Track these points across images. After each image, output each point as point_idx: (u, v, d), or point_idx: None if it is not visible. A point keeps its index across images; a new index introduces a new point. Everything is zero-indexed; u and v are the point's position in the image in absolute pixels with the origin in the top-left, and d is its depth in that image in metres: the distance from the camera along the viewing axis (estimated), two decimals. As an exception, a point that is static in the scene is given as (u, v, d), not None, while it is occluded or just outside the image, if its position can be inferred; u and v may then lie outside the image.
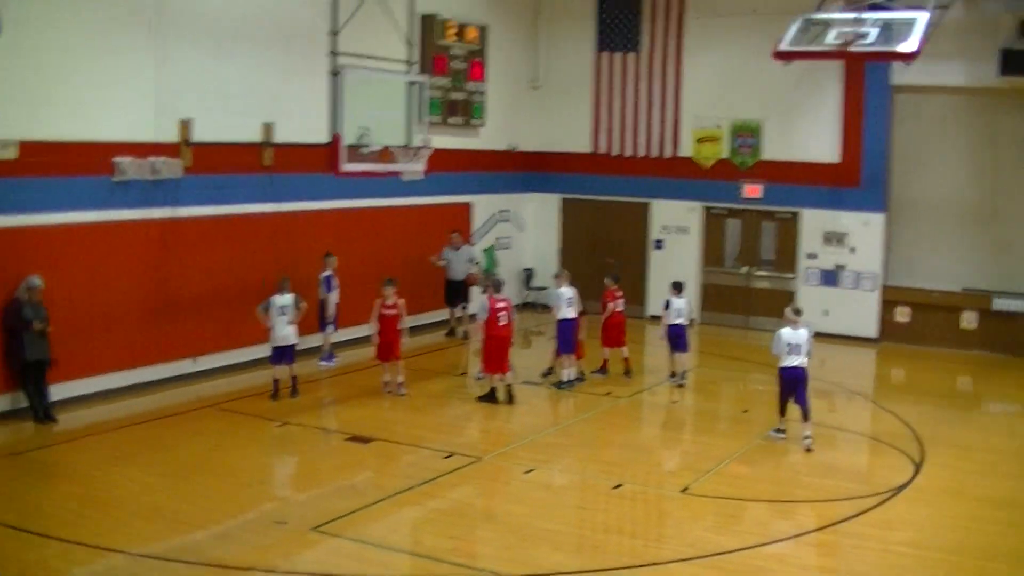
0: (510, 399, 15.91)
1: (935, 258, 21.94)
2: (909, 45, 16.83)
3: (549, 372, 17.47)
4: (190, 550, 10.13)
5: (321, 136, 15.33)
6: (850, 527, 11.32)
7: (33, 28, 14.08)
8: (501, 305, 15.87)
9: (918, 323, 21.74)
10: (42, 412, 14.19)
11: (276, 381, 15.83)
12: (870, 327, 22.02)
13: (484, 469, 13.07)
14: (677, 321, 17.38)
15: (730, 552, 10.47)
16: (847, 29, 17.10)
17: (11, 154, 13.94)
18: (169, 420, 14.65)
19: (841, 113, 22.00)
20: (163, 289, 16.19)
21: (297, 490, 12.74)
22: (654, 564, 10.18)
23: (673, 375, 17.68)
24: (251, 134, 17.32)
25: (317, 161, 15.92)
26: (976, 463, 13.87)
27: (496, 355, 15.88)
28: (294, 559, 10.16)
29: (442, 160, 18.40)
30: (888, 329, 22.00)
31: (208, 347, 16.93)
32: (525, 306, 24.26)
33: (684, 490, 12.35)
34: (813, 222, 22.45)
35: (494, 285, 16.29)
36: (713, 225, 23.73)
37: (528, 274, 25.00)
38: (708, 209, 23.67)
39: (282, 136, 17.65)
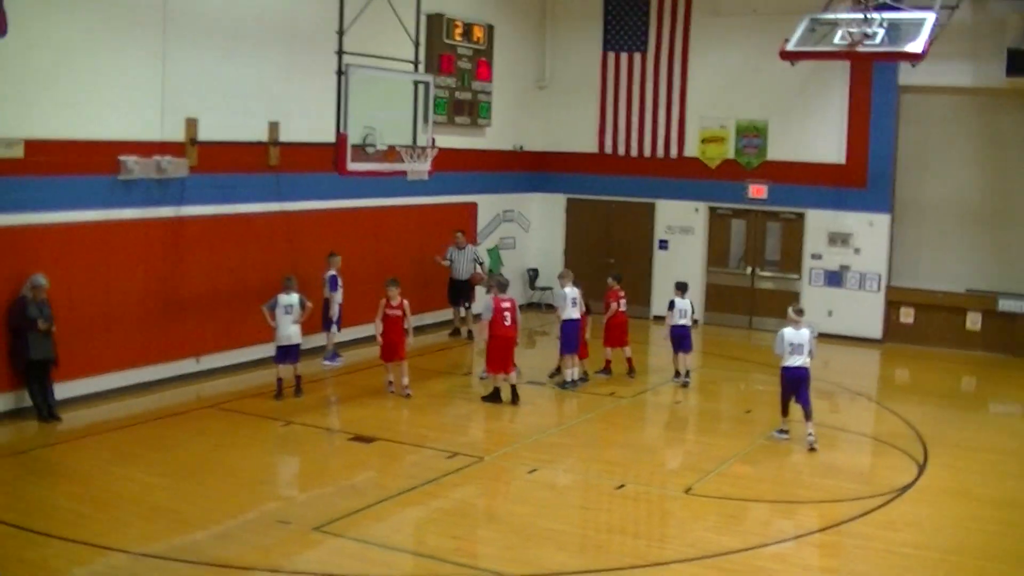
0: (515, 399, 15.91)
1: (940, 259, 21.92)
2: (916, 46, 16.86)
3: (556, 372, 17.45)
4: (192, 550, 10.13)
5: (327, 135, 15.32)
6: (853, 528, 11.31)
7: (39, 27, 14.10)
8: (506, 305, 15.87)
9: (922, 324, 21.73)
10: (46, 411, 14.20)
11: (280, 381, 15.83)
12: (874, 328, 22.00)
13: (487, 469, 13.07)
14: (681, 321, 17.40)
15: (733, 552, 10.46)
16: (854, 29, 17.12)
17: (17, 153, 13.95)
18: (172, 420, 14.66)
19: (847, 113, 21.98)
20: (167, 288, 16.21)
21: (300, 490, 12.75)
22: (657, 564, 10.17)
23: (677, 375, 17.68)
24: (257, 133, 17.32)
25: (323, 160, 15.92)
26: (980, 464, 13.86)
27: (500, 355, 15.87)
28: (296, 559, 10.16)
29: (448, 160, 18.39)
30: (892, 330, 21.98)
31: (212, 347, 16.94)
32: (529, 306, 24.27)
33: (687, 490, 12.35)
34: (818, 223, 22.43)
35: (499, 285, 16.29)
36: (718, 225, 23.72)
37: (532, 274, 25.00)
38: (713, 209, 23.67)
39: (288, 135, 17.65)
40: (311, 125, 17.07)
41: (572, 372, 17.10)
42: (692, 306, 17.85)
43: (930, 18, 17.17)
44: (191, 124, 16.27)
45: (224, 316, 17.02)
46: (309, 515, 11.14)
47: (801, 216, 22.71)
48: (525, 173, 24.75)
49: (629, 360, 17.96)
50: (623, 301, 17.95)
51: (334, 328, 18.21)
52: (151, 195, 15.82)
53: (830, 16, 18.09)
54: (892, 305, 22.00)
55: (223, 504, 11.42)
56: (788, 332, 14.22)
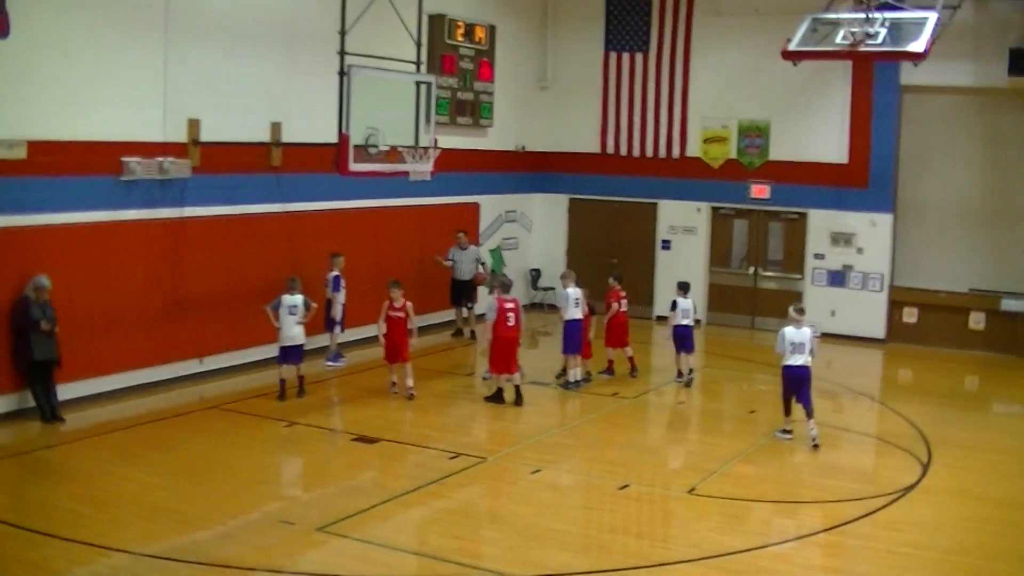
0: (519, 400, 15.90)
1: (942, 259, 21.89)
2: (918, 45, 16.86)
3: (563, 373, 17.43)
4: (194, 550, 10.13)
5: (329, 136, 15.32)
6: (855, 528, 11.30)
7: (41, 28, 14.10)
8: (509, 306, 15.87)
9: (925, 324, 21.70)
10: (49, 412, 14.20)
11: (283, 381, 15.83)
12: (877, 328, 21.99)
13: (490, 469, 13.07)
14: (683, 322, 17.39)
15: (736, 553, 10.45)
16: (856, 29, 17.12)
17: (19, 154, 13.96)
18: (175, 420, 14.66)
19: (849, 113, 21.96)
20: (170, 289, 16.21)
21: (302, 490, 12.76)
22: (660, 565, 10.16)
23: (680, 375, 17.68)
24: (259, 134, 17.33)
25: (325, 161, 15.92)
26: (982, 464, 13.85)
27: (503, 356, 15.86)
28: (299, 559, 10.16)
29: (450, 160, 18.39)
30: (895, 330, 21.96)
31: (214, 347, 16.94)
32: (532, 306, 24.27)
33: (690, 491, 12.34)
34: (820, 223, 22.42)
35: (503, 286, 16.28)
36: (720, 225, 23.71)
37: (535, 275, 24.99)
38: (715, 209, 23.66)
39: (290, 136, 17.66)
40: (313, 125, 17.08)
41: (575, 372, 17.09)
42: (694, 306, 17.85)
43: (932, 18, 17.17)
44: (193, 125, 16.28)
45: (227, 317, 17.01)
46: (312, 515, 11.14)
47: (803, 216, 22.69)
48: (527, 173, 24.75)
49: (631, 360, 17.96)
50: (624, 301, 17.93)
51: (337, 328, 18.21)
52: (153, 196, 15.83)
53: (832, 16, 18.09)
54: (895, 305, 21.98)
55: (225, 504, 11.42)
56: (789, 331, 14.23)
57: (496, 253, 23.42)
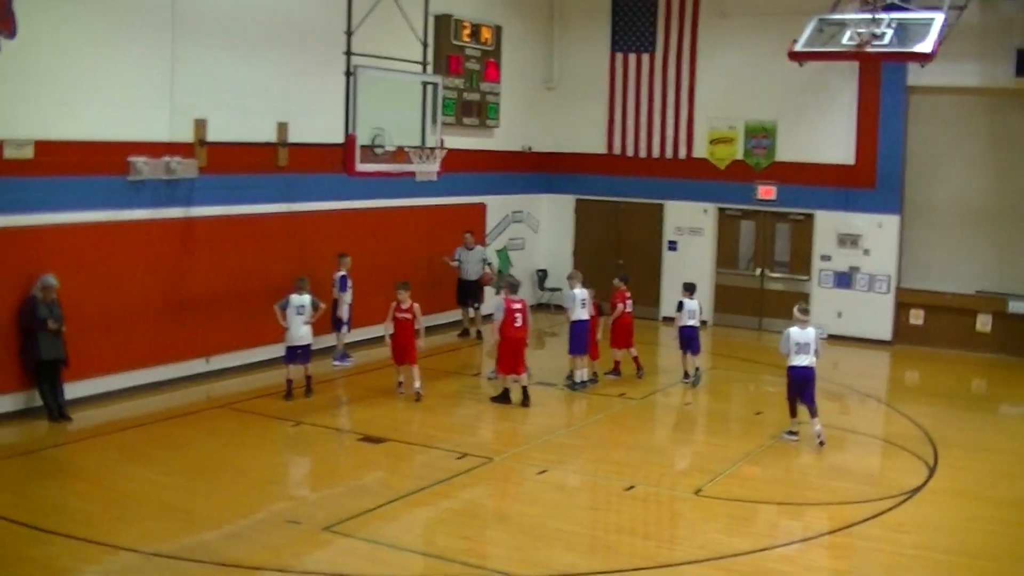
0: (526, 400, 15.90)
1: (949, 260, 21.87)
2: (925, 46, 16.82)
3: (572, 374, 17.42)
4: (201, 549, 10.15)
5: (336, 136, 15.33)
6: (862, 529, 11.29)
7: (48, 28, 14.14)
8: (517, 307, 15.86)
9: (932, 326, 21.66)
10: (57, 411, 14.23)
11: (290, 381, 15.84)
12: (884, 329, 21.95)
13: (497, 470, 13.07)
14: (690, 322, 17.38)
15: (742, 554, 10.45)
16: (862, 30, 17.09)
17: (27, 154, 14.00)
18: (182, 420, 14.68)
19: (856, 114, 21.93)
20: (177, 289, 16.23)
21: (309, 490, 12.78)
22: (666, 566, 10.16)
23: (686, 376, 17.66)
24: (266, 134, 17.34)
25: (331, 161, 15.92)
26: (989, 465, 13.83)
27: (510, 356, 15.86)
28: (306, 559, 10.17)
29: (456, 161, 18.38)
30: (902, 331, 21.92)
31: (221, 347, 16.97)
32: (539, 307, 24.26)
33: (697, 492, 12.33)
34: (827, 224, 22.39)
35: (510, 286, 16.28)
36: (727, 226, 23.70)
37: (542, 275, 24.99)
38: (722, 210, 23.64)
39: (297, 136, 17.67)
40: (320, 126, 17.08)
41: (581, 373, 17.09)
42: (701, 307, 17.83)
43: (939, 18, 17.13)
44: (200, 125, 16.31)
45: (233, 316, 17.04)
46: (319, 515, 11.15)
47: (810, 217, 22.67)
48: (534, 174, 24.75)
49: (636, 360, 17.94)
50: (629, 302, 17.91)
51: (344, 328, 18.23)
52: (160, 196, 15.86)
53: (838, 17, 18.06)
54: (902, 307, 21.94)
55: (233, 504, 11.43)
56: (794, 331, 14.23)
57: (503, 254, 23.43)
